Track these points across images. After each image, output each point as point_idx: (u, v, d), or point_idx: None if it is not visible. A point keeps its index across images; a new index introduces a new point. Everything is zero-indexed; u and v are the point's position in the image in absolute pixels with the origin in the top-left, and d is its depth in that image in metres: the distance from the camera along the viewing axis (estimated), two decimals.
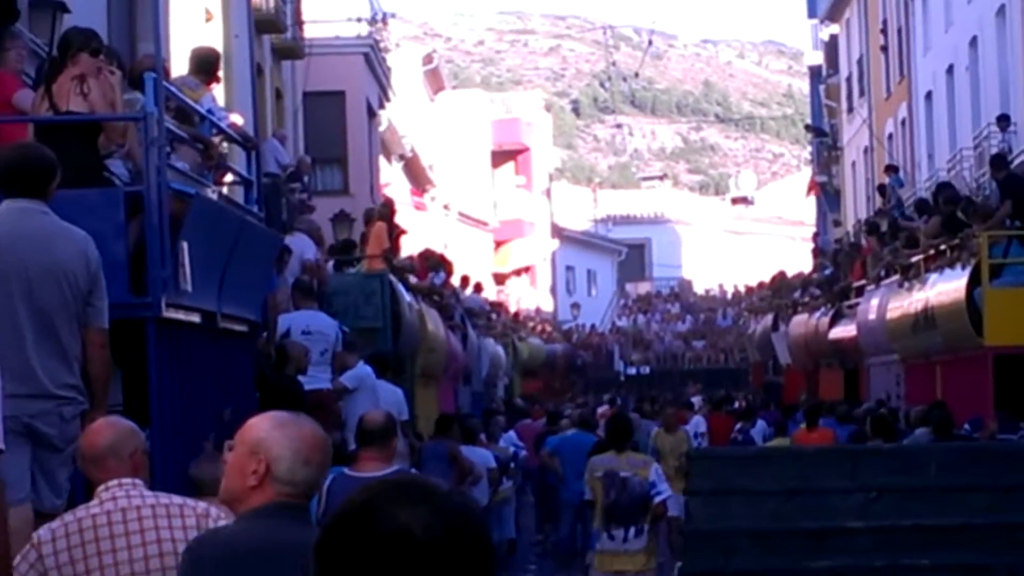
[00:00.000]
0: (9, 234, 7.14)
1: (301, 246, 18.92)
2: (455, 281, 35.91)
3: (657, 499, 13.75)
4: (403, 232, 29.50)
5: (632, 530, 13.86)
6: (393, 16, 47.26)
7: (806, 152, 77.10)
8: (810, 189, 58.92)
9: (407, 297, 24.11)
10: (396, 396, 17.12)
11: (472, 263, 52.28)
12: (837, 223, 52.89)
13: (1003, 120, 31.43)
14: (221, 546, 4.87)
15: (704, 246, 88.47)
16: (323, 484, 9.96)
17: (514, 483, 26.52)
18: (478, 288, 44.61)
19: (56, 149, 8.90)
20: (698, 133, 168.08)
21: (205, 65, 14.96)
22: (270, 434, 4.96)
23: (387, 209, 27.90)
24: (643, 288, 79.17)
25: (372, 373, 16.82)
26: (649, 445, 20.91)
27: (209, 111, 13.75)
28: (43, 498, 7.46)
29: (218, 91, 16.31)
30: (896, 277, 27.46)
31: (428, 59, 58.61)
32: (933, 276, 24.60)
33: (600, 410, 31.11)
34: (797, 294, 42.99)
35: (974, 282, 21.87)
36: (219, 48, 23.85)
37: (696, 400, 35.83)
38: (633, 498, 13.83)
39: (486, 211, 66.40)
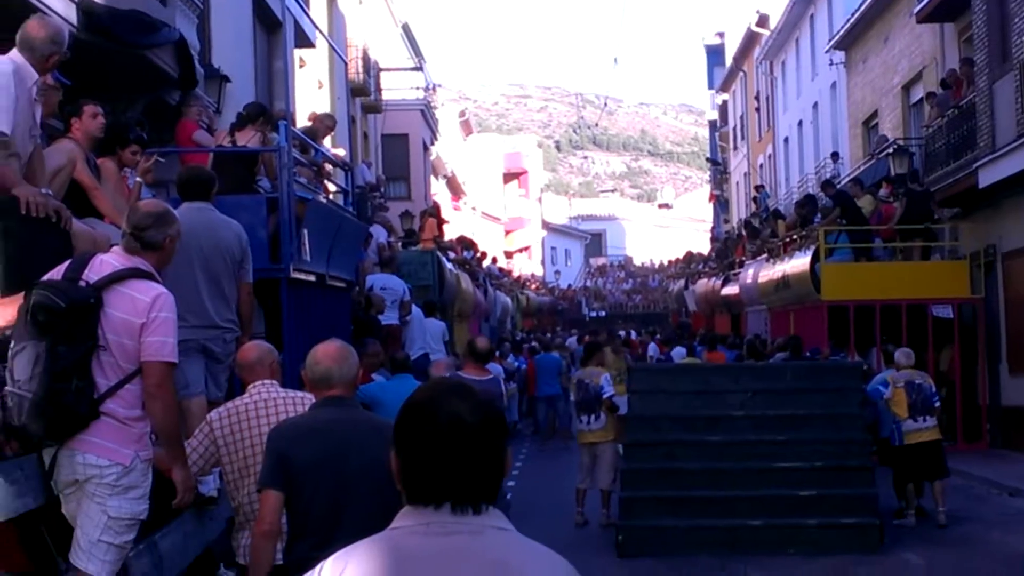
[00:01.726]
0: (188, 224, 7.08)
1: (379, 233, 18.89)
2: (480, 256, 35.89)
3: (604, 396, 13.74)
4: (446, 223, 29.50)
5: (592, 416, 13.84)
6: (440, 86, 47.28)
7: (706, 175, 76.80)
8: (710, 199, 58.92)
9: (448, 266, 24.08)
10: (441, 328, 17.14)
11: (490, 245, 52.22)
12: (726, 221, 52.81)
13: (834, 155, 31.40)
14: (293, 427, 4.88)
15: (640, 235, 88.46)
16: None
17: (517, 385, 26.55)
18: (494, 260, 44.57)
19: (228, 170, 8.99)
20: (636, 162, 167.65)
21: (328, 121, 16.07)
22: (307, 357, 5.02)
23: (435, 210, 27.89)
24: (601, 261, 78.94)
25: (421, 313, 16.84)
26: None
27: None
28: (211, 392, 7.46)
29: None
30: (764, 256, 27.42)
31: (462, 114, 58.82)
32: (788, 255, 24.56)
33: (568, 340, 30.80)
34: (701, 266, 42.96)
35: (815, 259, 21.85)
36: (328, 107, 23.85)
37: (633, 333, 35.74)
38: (589, 396, 13.82)
39: (499, 211, 66.46)
